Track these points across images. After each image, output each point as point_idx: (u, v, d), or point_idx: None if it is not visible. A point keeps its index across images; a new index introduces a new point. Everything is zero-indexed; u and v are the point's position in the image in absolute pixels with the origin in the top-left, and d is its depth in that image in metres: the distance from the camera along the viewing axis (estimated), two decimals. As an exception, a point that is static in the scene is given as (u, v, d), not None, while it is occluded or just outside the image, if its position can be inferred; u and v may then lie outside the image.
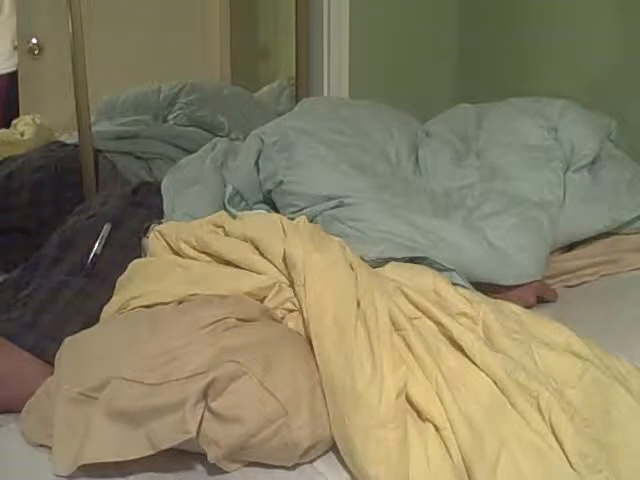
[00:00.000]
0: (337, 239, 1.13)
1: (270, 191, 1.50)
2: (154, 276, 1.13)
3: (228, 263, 1.13)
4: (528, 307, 1.41)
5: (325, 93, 2.18)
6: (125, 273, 1.17)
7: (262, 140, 1.55)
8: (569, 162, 1.63)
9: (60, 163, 2.10)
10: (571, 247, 1.61)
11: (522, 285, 1.43)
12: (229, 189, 1.51)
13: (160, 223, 1.33)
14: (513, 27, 2.17)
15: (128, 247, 1.30)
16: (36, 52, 2.26)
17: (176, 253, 1.17)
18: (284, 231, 1.12)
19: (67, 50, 1.97)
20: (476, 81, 2.27)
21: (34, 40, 2.25)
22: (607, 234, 1.61)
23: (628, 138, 1.76)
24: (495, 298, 1.23)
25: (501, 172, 1.59)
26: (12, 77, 2.28)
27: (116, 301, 1.13)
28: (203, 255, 1.15)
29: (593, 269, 1.57)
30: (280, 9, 2.59)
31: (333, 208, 1.45)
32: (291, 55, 2.28)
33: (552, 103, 1.74)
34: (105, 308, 1.14)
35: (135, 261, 1.18)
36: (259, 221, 1.18)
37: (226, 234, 1.18)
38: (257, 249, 1.12)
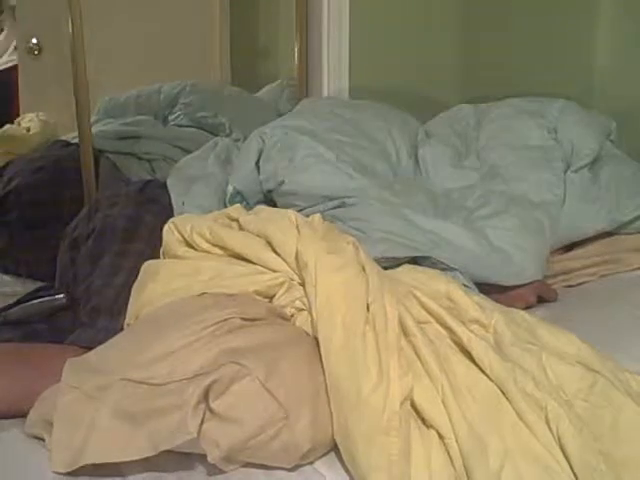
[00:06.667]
0: (351, 239, 1.12)
1: (271, 191, 1.50)
2: (165, 279, 1.12)
3: (241, 257, 1.13)
4: (528, 307, 1.42)
5: (325, 93, 2.17)
6: (138, 279, 1.16)
7: (263, 140, 1.55)
8: (569, 162, 1.63)
9: (60, 162, 2.11)
10: (571, 247, 1.62)
11: (522, 285, 1.43)
12: (230, 189, 1.51)
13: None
14: (514, 27, 2.17)
15: (151, 242, 1.31)
16: (36, 52, 2.26)
17: (189, 246, 1.17)
18: (298, 228, 1.11)
19: (67, 50, 1.97)
20: (476, 81, 2.27)
21: (34, 40, 2.25)
22: (607, 234, 1.61)
23: (628, 138, 1.76)
24: (495, 298, 1.22)
25: (501, 172, 1.60)
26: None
27: (130, 310, 1.13)
28: (216, 248, 1.15)
29: (593, 269, 1.57)
30: (280, 9, 2.59)
31: (334, 208, 1.45)
32: (291, 55, 2.28)
33: (552, 103, 1.74)
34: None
35: (146, 264, 1.18)
36: (273, 217, 1.17)
37: (240, 228, 1.18)
38: (270, 245, 1.11)
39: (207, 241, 1.16)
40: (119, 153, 2.19)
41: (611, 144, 1.72)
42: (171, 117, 2.44)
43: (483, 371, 0.98)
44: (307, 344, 0.99)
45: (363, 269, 1.04)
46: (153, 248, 1.26)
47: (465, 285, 1.27)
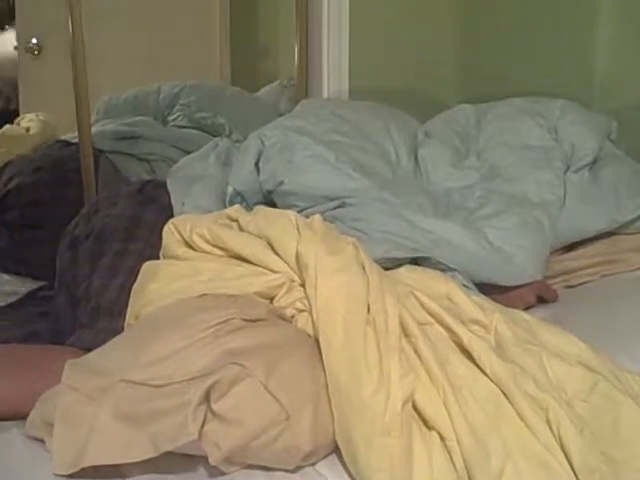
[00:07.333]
0: (351, 239, 1.11)
1: (270, 191, 1.50)
2: (164, 280, 1.12)
3: (241, 258, 1.12)
4: (528, 307, 1.42)
5: (325, 93, 2.18)
6: (137, 279, 1.16)
7: (262, 141, 1.55)
8: (569, 162, 1.63)
9: (61, 162, 2.11)
10: (571, 247, 1.61)
11: (522, 285, 1.43)
12: (230, 190, 1.51)
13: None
14: (514, 27, 2.17)
15: (150, 242, 1.30)
16: (36, 52, 2.26)
17: (189, 246, 1.16)
18: (298, 229, 1.11)
19: (67, 50, 1.98)
20: (476, 81, 2.27)
21: (34, 40, 2.25)
22: (607, 234, 1.60)
23: (628, 138, 1.76)
24: (495, 298, 1.22)
25: (501, 172, 1.60)
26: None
27: (130, 311, 1.12)
28: (216, 249, 1.14)
29: (594, 269, 1.57)
30: (280, 9, 2.59)
31: (334, 208, 1.45)
32: (291, 55, 2.28)
33: (552, 103, 1.74)
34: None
35: (146, 264, 1.17)
36: (273, 217, 1.16)
37: (240, 228, 1.17)
38: (270, 246, 1.11)
39: (207, 242, 1.15)
40: (118, 153, 2.19)
41: (611, 144, 1.71)
42: (170, 118, 2.44)
43: (484, 372, 0.98)
44: (308, 345, 0.99)
45: (363, 270, 1.04)
46: (153, 248, 1.25)
47: (465, 285, 1.28)
